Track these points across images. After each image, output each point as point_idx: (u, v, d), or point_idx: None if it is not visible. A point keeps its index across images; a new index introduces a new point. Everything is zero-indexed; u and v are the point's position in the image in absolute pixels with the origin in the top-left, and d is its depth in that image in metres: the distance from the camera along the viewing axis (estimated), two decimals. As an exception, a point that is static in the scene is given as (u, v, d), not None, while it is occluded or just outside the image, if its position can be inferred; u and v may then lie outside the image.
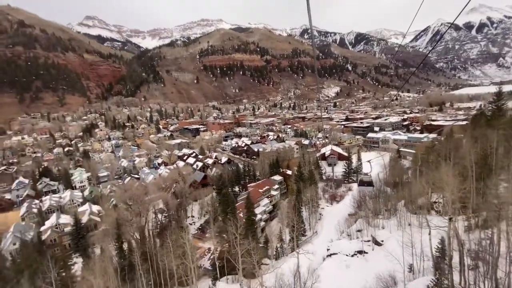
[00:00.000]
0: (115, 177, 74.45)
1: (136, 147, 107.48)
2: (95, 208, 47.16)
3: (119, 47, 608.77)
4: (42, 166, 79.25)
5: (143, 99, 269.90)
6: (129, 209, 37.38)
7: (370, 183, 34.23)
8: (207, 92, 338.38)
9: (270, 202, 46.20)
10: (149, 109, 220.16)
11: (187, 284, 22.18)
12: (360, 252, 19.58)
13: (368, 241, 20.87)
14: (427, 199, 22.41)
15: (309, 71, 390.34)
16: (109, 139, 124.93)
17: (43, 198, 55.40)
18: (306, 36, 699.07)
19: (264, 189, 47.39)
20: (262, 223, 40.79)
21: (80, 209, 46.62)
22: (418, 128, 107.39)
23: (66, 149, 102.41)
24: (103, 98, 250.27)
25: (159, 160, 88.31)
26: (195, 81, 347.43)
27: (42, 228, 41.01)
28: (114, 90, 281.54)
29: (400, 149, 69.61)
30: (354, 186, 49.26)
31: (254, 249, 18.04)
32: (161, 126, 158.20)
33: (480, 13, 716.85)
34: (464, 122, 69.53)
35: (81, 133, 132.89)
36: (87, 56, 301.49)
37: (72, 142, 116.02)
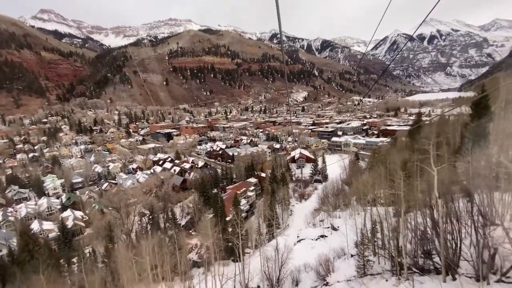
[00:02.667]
0: (90, 183, 74.25)
1: (107, 152, 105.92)
2: (78, 213, 48.47)
3: (79, 44, 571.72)
4: (6, 173, 75.99)
5: (109, 101, 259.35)
6: (118, 213, 40.11)
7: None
8: (177, 95, 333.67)
9: (247, 202, 51.45)
10: (116, 112, 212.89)
11: (180, 274, 26.53)
12: (322, 236, 25.62)
13: (328, 227, 27.07)
14: (374, 194, 29.34)
15: (279, 75, 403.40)
16: (76, 144, 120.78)
17: (17, 206, 54.68)
18: (275, 41, 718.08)
19: (241, 190, 52.53)
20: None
21: (62, 215, 47.62)
22: (376, 132, 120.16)
23: (30, 154, 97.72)
24: (65, 100, 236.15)
25: (134, 165, 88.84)
26: (165, 83, 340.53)
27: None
28: (76, 91, 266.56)
29: (359, 152, 79.13)
30: (320, 186, 56.51)
31: (244, 235, 23.15)
32: (131, 130, 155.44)
33: (431, 26, 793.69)
34: (408, 128, 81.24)
35: (44, 138, 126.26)
36: (45, 54, 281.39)
37: (36, 147, 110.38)
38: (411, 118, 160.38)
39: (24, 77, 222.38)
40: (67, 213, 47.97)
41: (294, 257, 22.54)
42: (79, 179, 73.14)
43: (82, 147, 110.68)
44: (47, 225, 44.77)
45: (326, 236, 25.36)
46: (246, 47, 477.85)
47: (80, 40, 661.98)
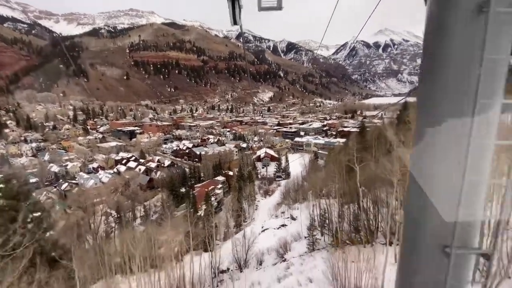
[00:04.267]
0: (46, 183, 70.14)
1: (63, 151, 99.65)
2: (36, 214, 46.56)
3: (25, 30, 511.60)
4: None
5: (61, 94, 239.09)
6: (84, 213, 40.08)
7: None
8: (139, 90, 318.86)
9: (216, 199, 54.09)
10: (71, 107, 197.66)
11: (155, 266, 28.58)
12: (283, 225, 29.64)
13: (288, 218, 31.27)
14: (327, 188, 34.26)
15: (246, 75, 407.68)
16: (25, 141, 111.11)
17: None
18: (241, 39, 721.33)
19: (210, 188, 54.95)
20: (209, 217, 48.52)
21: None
22: (334, 133, 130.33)
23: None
24: (8, 92, 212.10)
25: (95, 165, 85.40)
26: (125, 77, 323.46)
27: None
28: (23, 82, 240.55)
29: (318, 151, 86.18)
30: (283, 182, 61.32)
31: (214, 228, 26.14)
32: (89, 127, 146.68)
33: (385, 35, 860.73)
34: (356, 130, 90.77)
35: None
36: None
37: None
38: (365, 120, 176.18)
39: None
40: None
41: (259, 243, 26.17)
42: (33, 180, 68.61)
43: (34, 145, 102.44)
44: (2, 228, 42.60)
45: (286, 225, 29.42)
46: (213, 44, 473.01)
47: (25, 26, 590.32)
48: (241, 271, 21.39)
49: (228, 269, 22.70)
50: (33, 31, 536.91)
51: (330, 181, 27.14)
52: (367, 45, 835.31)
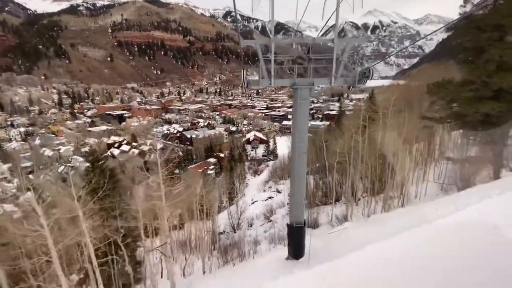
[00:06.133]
0: (41, 167, 72.11)
1: (53, 135, 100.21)
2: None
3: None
4: None
5: (43, 77, 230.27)
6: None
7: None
8: (124, 72, 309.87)
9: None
10: (54, 91, 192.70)
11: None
12: (270, 197, 34.45)
13: (274, 191, 36.14)
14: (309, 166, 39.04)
15: (234, 56, 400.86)
16: (12, 126, 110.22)
17: (-37, 193, 52.64)
18: (229, 19, 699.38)
19: (202, 169, 59.10)
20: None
21: (24, 197, 48.33)
22: (320, 116, 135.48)
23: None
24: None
25: (86, 148, 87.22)
26: (109, 59, 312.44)
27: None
28: (0, 64, 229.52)
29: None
30: (271, 163, 66.17)
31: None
32: (75, 111, 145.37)
33: (374, 16, 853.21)
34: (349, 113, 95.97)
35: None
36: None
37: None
38: (351, 104, 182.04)
39: None
40: (28, 194, 48.72)
41: (250, 212, 30.93)
42: (28, 163, 70.48)
43: (22, 129, 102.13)
44: (9, 207, 45.51)
45: (273, 197, 34.23)
46: (199, 24, 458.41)
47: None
48: (235, 232, 26.10)
49: (224, 231, 27.37)
50: (6, 8, 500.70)
51: (309, 159, 31.79)
52: (356, 27, 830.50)
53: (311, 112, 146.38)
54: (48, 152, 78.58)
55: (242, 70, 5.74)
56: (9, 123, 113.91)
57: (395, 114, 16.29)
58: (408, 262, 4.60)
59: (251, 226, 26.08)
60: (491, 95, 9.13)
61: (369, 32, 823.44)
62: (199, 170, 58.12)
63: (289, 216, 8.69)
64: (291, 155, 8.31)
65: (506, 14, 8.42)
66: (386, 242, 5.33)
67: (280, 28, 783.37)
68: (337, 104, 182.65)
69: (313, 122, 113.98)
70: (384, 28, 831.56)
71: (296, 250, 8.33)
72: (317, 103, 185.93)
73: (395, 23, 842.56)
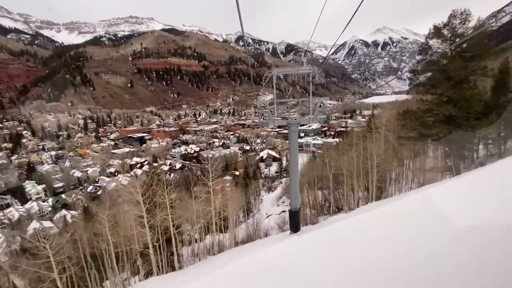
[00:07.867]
0: (71, 187, 78.14)
1: (81, 157, 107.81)
2: (73, 212, 54.40)
3: (28, 41, 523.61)
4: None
5: (70, 104, 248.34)
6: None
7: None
8: (143, 97, 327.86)
9: (225, 195, 61.63)
10: (80, 116, 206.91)
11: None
12: (283, 211, 37.17)
13: (287, 205, 38.91)
14: (321, 182, 41.64)
15: (246, 78, 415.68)
16: (43, 149, 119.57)
17: (6, 211, 58.37)
18: (241, 43, 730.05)
19: (219, 186, 62.47)
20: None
21: (59, 215, 53.29)
22: (333, 133, 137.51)
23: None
24: (19, 103, 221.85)
25: (112, 169, 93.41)
26: (129, 85, 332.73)
27: (29, 233, 47.22)
28: (31, 93, 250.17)
29: (317, 151, 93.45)
30: (284, 180, 68.75)
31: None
32: (100, 135, 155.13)
33: (383, 34, 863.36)
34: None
35: (5, 144, 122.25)
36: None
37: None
38: (363, 120, 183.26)
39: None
40: (63, 212, 53.70)
41: (265, 223, 33.64)
42: (60, 184, 76.66)
43: (53, 153, 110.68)
44: (47, 223, 50.35)
45: (286, 211, 36.94)
46: (213, 49, 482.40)
47: (28, 36, 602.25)
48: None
49: (242, 241, 30.20)
50: (36, 41, 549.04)
51: (317, 174, 34.60)
52: (366, 44, 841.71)
53: (324, 129, 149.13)
54: (77, 173, 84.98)
55: (259, 116, 9.60)
56: (40, 147, 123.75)
57: (386, 131, 19.37)
58: (368, 229, 7.69)
59: (266, 236, 28.83)
60: (443, 120, 12.10)
61: (379, 49, 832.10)
62: (217, 188, 61.56)
63: (289, 204, 12.00)
64: (289, 164, 11.90)
65: (449, 63, 11.64)
66: (351, 219, 8.47)
67: (291, 49, 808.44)
68: (350, 121, 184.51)
69: (325, 139, 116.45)
70: (394, 44, 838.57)
71: (294, 226, 11.58)
72: (327, 122, 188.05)
73: (405, 38, 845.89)
